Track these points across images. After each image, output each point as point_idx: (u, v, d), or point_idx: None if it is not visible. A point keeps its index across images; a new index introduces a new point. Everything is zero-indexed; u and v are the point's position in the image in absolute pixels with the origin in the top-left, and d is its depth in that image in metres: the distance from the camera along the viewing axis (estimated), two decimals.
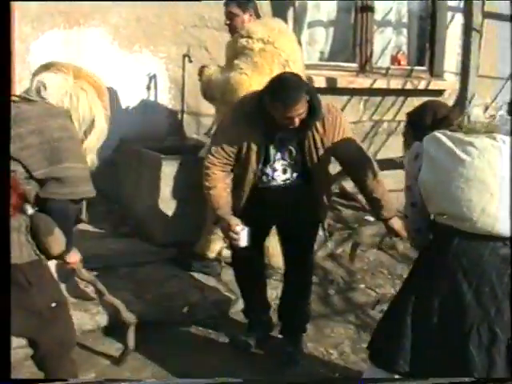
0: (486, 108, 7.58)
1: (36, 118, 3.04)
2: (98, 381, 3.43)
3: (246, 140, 3.84)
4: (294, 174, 3.97)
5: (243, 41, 4.54)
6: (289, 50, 4.55)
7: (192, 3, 5.73)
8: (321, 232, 5.60)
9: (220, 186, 3.91)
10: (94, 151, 3.31)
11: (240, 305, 4.66)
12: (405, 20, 7.50)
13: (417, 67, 7.37)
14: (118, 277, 4.79)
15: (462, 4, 6.75)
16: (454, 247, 3.13)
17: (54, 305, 3.16)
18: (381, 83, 6.83)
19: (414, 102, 6.94)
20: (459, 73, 6.32)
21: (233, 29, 4.78)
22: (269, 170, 3.94)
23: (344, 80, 6.61)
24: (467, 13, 6.02)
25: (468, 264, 3.10)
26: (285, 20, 6.08)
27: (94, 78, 3.34)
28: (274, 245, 4.83)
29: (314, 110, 3.75)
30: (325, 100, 6.22)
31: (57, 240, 3.06)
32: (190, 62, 5.56)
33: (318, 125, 3.81)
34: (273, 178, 3.97)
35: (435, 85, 7.20)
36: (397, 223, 3.98)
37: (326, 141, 3.85)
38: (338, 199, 6.39)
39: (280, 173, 3.96)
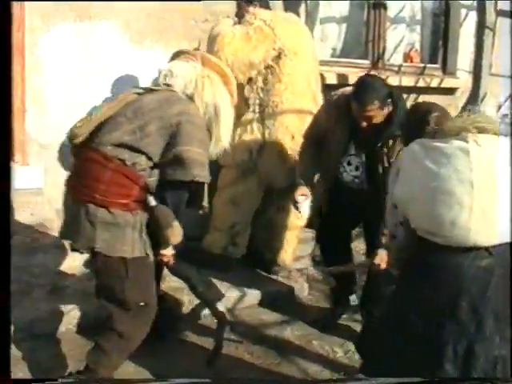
0: (499, 107, 7.58)
1: (156, 107, 3.26)
2: (94, 380, 3.41)
3: (333, 127, 4.17)
4: (363, 175, 4.15)
5: (247, 17, 4.57)
6: (289, 40, 4.54)
7: None
8: None
9: (309, 154, 4.38)
10: (225, 136, 3.50)
11: (246, 301, 4.66)
12: (418, 17, 7.44)
13: (430, 65, 7.30)
14: None
15: (475, 2, 6.69)
16: (431, 260, 2.98)
17: (142, 304, 3.33)
18: (393, 80, 6.77)
19: (426, 99, 6.92)
20: (472, 71, 6.27)
21: (240, 19, 4.87)
22: (345, 162, 4.21)
23: (356, 77, 6.55)
24: (480, 11, 5.98)
25: (445, 277, 2.94)
26: (297, 15, 6.07)
27: (220, 65, 3.60)
28: (280, 241, 4.83)
29: (393, 120, 3.93)
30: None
31: (175, 232, 3.24)
32: None
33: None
34: (346, 171, 4.19)
35: (448, 83, 7.13)
36: None
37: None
38: None
39: (353, 168, 4.19)
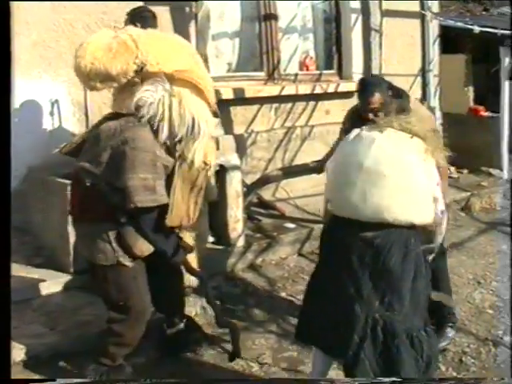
0: None
1: (109, 135, 3.60)
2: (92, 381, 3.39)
3: None
4: None
5: (119, 32, 4.53)
6: (154, 54, 4.49)
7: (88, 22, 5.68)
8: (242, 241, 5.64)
9: None
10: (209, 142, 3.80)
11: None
12: (310, 25, 7.54)
13: (325, 71, 7.41)
14: (32, 309, 4.67)
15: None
16: (331, 232, 3.53)
17: (121, 303, 3.73)
18: (289, 90, 6.83)
19: (325, 105, 7.02)
20: (362, 73, 6.38)
21: None
22: None
23: (252, 89, 6.58)
24: (365, 13, 6.09)
25: (334, 246, 3.44)
26: (187, 34, 6.06)
27: (187, 78, 3.78)
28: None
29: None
30: (235, 111, 6.32)
31: (138, 246, 3.62)
32: None
33: None
34: None
35: (344, 87, 7.23)
36: None
37: None
38: (255, 208, 6.37)
39: None
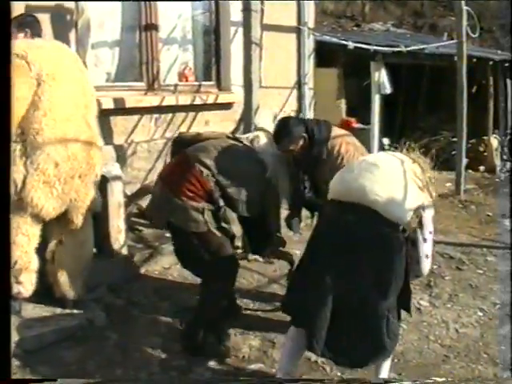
0: (275, 117, 7.91)
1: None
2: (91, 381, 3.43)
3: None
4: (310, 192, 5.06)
5: None
6: (47, 65, 4.45)
7: None
8: (124, 252, 5.60)
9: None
10: None
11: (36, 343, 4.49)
12: (190, 36, 7.60)
13: (205, 82, 7.49)
14: None
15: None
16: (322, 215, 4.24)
17: (211, 264, 4.49)
18: (170, 100, 6.86)
19: (205, 116, 7.10)
20: (243, 85, 6.49)
21: None
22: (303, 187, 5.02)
23: (132, 99, 6.56)
24: (246, 26, 6.19)
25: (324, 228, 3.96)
26: (67, 42, 5.97)
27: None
28: (66, 275, 4.77)
29: (311, 149, 4.70)
30: (115, 121, 6.27)
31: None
32: None
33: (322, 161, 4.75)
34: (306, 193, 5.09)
35: (223, 98, 7.36)
36: None
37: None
38: (136, 219, 6.35)
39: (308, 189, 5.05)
